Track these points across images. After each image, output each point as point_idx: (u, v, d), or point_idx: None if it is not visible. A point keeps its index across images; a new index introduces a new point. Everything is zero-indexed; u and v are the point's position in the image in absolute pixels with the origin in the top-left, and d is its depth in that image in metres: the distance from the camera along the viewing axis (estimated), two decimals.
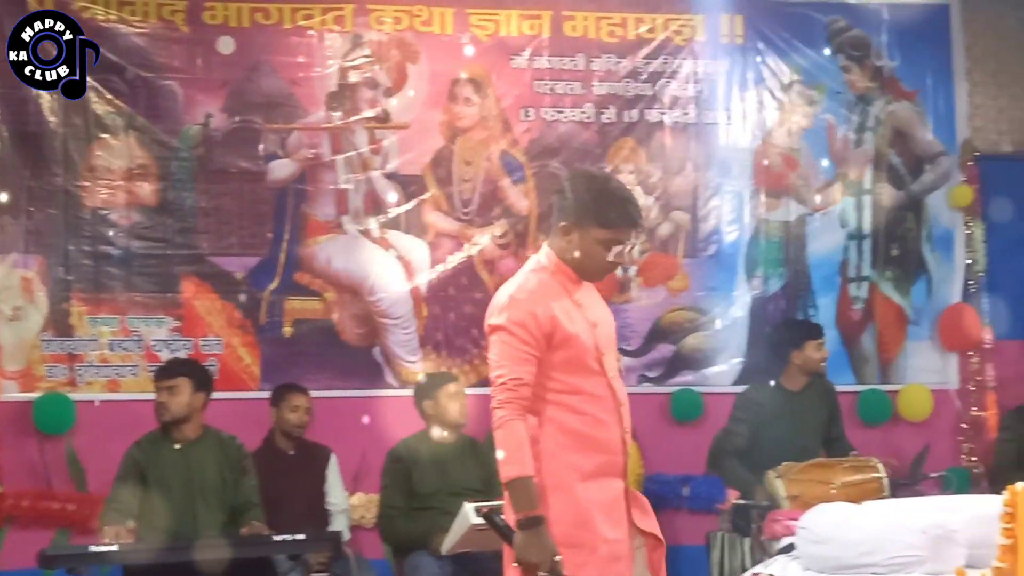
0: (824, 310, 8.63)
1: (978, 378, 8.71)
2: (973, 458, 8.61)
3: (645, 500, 4.34)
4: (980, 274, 8.78)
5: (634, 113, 8.53)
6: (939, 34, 8.95)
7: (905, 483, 7.32)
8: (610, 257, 4.19)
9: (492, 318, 4.21)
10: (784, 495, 6.71)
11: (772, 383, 7.57)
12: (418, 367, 8.11)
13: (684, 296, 8.50)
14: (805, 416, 7.48)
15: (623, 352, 8.33)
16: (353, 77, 8.23)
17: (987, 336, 8.71)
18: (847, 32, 8.85)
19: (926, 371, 8.74)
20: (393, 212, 8.23)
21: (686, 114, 8.60)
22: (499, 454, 4.06)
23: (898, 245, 8.75)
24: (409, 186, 8.27)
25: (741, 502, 7.02)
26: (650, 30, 8.58)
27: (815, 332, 7.64)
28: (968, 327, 8.64)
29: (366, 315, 8.15)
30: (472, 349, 8.15)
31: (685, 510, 8.23)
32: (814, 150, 8.74)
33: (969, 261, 8.78)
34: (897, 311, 8.71)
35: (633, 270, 8.42)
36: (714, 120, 8.63)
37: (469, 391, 7.43)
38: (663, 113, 8.57)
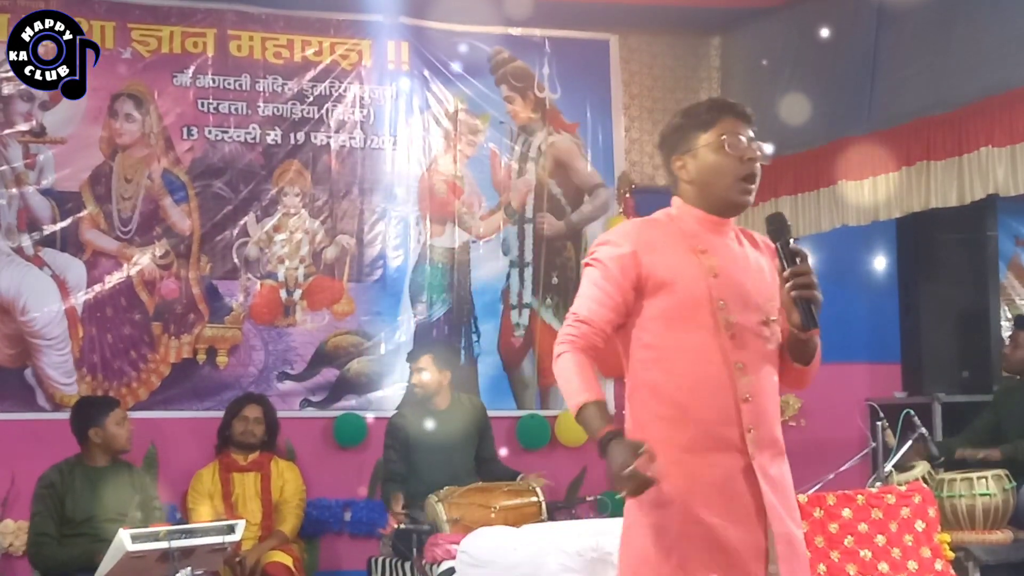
0: (487, 336, 8.76)
1: None
2: None
3: (788, 490, 3.59)
4: None
5: (300, 135, 8.48)
6: (599, 69, 9.22)
7: (562, 506, 7.48)
8: (731, 155, 3.55)
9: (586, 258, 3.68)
10: (445, 519, 6.75)
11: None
12: (73, 389, 7.83)
13: (349, 320, 8.49)
14: (453, 434, 7.51)
15: (286, 376, 8.27)
16: (7, 89, 7.90)
17: None
18: (511, 63, 9.03)
19: None
20: (48, 229, 7.95)
21: (352, 138, 8.60)
22: (564, 392, 3.57)
23: (558, 273, 8.96)
24: (66, 203, 8.00)
25: (402, 527, 7.02)
26: (316, 53, 8.55)
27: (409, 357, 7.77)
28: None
29: (18, 335, 7.83)
30: (131, 372, 7.91)
31: (347, 535, 8.24)
32: (478, 178, 8.87)
33: None
34: (556, 337, 8.84)
35: (298, 293, 8.37)
36: (380, 145, 8.66)
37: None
38: (329, 136, 8.55)
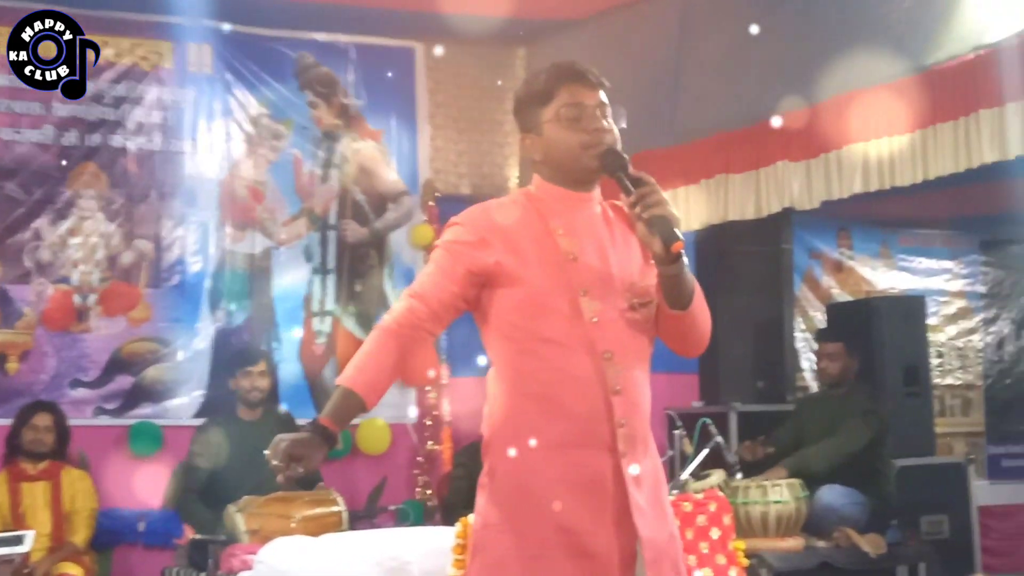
0: (288, 344, 8.68)
1: (435, 413, 8.96)
2: (428, 491, 8.84)
3: (658, 489, 3.38)
4: None
5: (97, 137, 8.29)
6: (404, 77, 9.23)
7: (363, 516, 7.43)
8: (575, 126, 3.31)
9: None
10: (244, 529, 6.64)
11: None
12: None
13: (146, 327, 8.31)
14: (262, 445, 7.40)
15: (79, 383, 8.08)
16: None
17: (444, 372, 8.98)
18: (315, 69, 8.96)
19: (385, 405, 8.64)
20: None
21: (151, 141, 8.43)
22: None
23: (361, 281, 8.91)
24: None
25: (198, 537, 6.89)
26: (116, 54, 8.36)
27: (248, 359, 7.65)
28: (424, 363, 8.87)
29: None
30: None
31: (141, 545, 8.07)
32: (280, 184, 8.78)
33: None
34: (359, 346, 8.78)
35: (93, 298, 8.17)
36: (180, 149, 8.50)
37: None
38: (127, 139, 8.37)
